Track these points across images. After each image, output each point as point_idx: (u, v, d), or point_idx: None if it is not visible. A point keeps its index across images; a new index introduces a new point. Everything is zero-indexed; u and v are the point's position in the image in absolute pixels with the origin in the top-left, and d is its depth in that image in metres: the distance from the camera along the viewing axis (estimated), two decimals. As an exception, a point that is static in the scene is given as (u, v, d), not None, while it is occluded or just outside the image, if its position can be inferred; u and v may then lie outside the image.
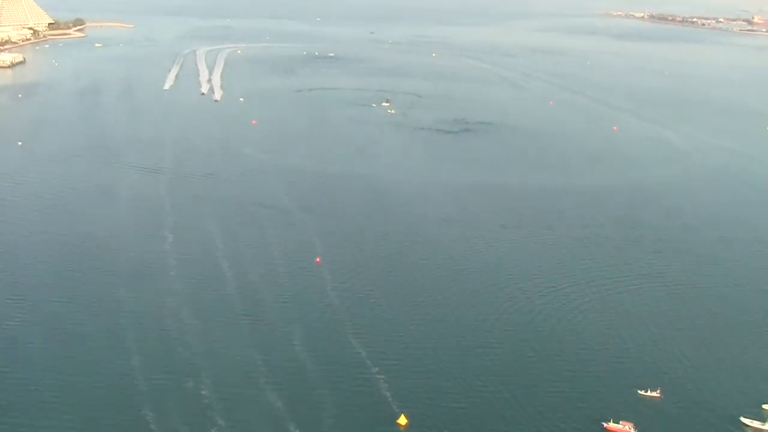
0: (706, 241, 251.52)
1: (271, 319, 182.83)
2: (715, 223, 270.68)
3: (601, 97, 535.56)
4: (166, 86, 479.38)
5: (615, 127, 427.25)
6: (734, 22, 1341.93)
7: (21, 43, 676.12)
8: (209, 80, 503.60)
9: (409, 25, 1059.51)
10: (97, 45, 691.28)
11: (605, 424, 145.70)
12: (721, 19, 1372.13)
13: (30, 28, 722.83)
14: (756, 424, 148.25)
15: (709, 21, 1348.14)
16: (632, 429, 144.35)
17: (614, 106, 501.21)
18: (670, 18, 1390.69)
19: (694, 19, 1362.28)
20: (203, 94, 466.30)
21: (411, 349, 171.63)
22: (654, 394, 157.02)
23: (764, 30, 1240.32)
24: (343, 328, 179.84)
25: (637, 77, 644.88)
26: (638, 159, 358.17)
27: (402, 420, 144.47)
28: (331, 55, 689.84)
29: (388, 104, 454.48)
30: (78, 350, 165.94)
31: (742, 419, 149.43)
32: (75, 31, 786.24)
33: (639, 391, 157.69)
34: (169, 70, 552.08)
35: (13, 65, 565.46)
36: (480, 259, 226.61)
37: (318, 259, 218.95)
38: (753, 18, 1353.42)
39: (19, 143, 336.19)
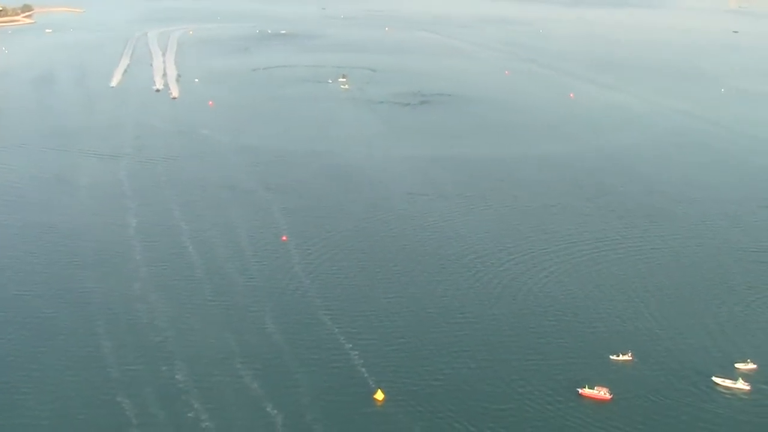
0: (667, 203, 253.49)
1: (241, 300, 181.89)
2: (675, 184, 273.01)
3: (556, 64, 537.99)
4: (116, 78, 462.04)
5: (571, 94, 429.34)
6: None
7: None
8: (163, 69, 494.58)
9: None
10: (47, 31, 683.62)
11: (580, 390, 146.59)
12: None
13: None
14: (728, 383, 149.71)
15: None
16: (607, 393, 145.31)
17: (569, 73, 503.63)
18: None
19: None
20: (158, 90, 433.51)
21: (383, 325, 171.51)
22: (626, 357, 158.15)
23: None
24: (313, 305, 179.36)
25: (590, 43, 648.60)
26: (596, 125, 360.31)
27: (379, 395, 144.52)
28: (283, 32, 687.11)
29: (344, 80, 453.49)
30: (48, 341, 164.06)
31: (714, 379, 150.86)
32: (23, 17, 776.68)
33: (611, 356, 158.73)
34: (121, 56, 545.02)
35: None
36: (446, 231, 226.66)
37: (284, 238, 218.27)
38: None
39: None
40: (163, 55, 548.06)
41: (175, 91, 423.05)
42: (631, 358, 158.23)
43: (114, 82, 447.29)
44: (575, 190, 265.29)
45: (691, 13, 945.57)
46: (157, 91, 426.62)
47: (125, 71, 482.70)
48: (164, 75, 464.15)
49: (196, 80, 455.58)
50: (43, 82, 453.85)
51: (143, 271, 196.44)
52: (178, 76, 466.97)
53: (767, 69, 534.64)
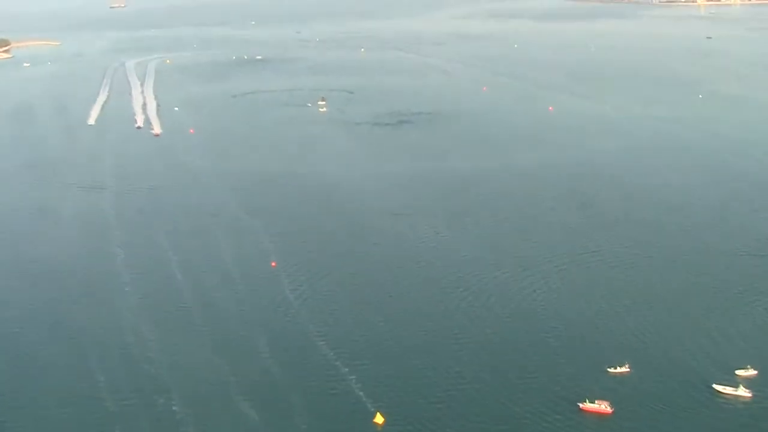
0: (653, 211, 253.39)
1: (234, 328, 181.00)
2: (660, 192, 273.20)
3: (533, 78, 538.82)
4: (94, 114, 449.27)
5: (550, 107, 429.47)
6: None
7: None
8: (143, 101, 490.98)
9: (334, 22, 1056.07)
10: (25, 64, 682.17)
11: (581, 405, 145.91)
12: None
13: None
14: (729, 390, 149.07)
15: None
16: (608, 407, 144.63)
17: (546, 86, 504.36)
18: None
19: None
20: (139, 127, 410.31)
21: (378, 347, 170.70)
22: (623, 369, 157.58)
23: (682, 0, 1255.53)
24: (307, 330, 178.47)
25: (565, 56, 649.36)
26: (577, 136, 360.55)
27: (378, 418, 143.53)
28: (260, 57, 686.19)
29: (323, 102, 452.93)
30: (39, 375, 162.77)
31: (715, 386, 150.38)
32: (1, 51, 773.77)
33: (608, 369, 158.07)
34: (99, 87, 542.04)
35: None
36: (433, 249, 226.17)
37: (273, 263, 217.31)
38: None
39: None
40: (142, 85, 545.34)
41: (157, 128, 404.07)
42: (628, 369, 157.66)
43: (92, 119, 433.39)
44: (561, 202, 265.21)
45: (664, 21, 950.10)
46: (139, 128, 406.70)
47: (103, 106, 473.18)
48: (144, 108, 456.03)
49: (176, 108, 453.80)
50: (24, 113, 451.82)
51: (133, 302, 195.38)
52: (158, 107, 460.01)
53: (743, 73, 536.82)
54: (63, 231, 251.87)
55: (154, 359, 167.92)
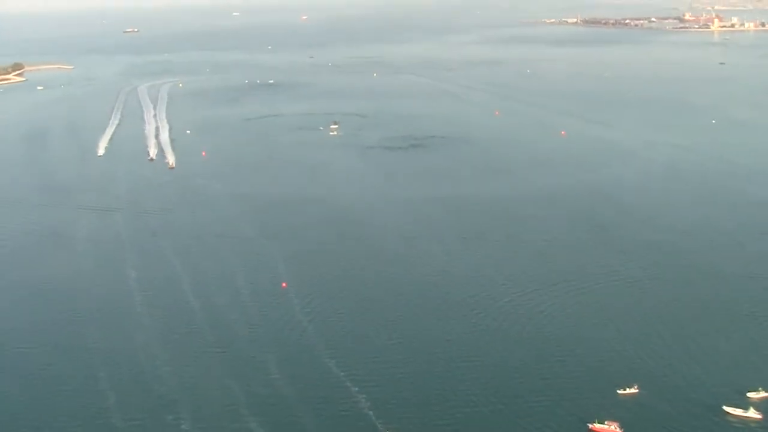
0: (665, 235, 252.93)
1: (244, 348, 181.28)
2: (672, 217, 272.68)
3: (545, 103, 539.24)
4: (104, 143, 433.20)
5: (563, 132, 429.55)
6: (666, 21, 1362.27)
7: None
8: (155, 127, 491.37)
9: (347, 47, 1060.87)
10: (39, 88, 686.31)
11: (591, 426, 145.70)
12: (653, 19, 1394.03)
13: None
14: (739, 412, 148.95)
15: (641, 21, 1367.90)
16: (618, 428, 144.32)
17: (559, 111, 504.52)
18: (603, 21, 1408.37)
19: (627, 21, 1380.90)
20: (152, 159, 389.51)
21: (389, 368, 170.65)
22: (633, 390, 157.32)
23: (696, 26, 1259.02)
24: (317, 350, 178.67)
25: (578, 81, 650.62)
26: (589, 161, 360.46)
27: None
28: (272, 82, 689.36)
29: (336, 126, 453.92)
30: (52, 394, 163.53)
31: (725, 408, 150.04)
32: (14, 75, 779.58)
33: (618, 390, 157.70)
34: (112, 112, 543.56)
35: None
36: (445, 272, 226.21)
37: (284, 284, 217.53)
38: (684, 15, 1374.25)
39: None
40: (154, 108, 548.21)
41: (171, 159, 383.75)
42: (639, 390, 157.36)
43: (102, 150, 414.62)
44: (572, 226, 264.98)
45: (677, 47, 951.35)
46: (151, 160, 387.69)
47: (114, 134, 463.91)
48: (157, 133, 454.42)
49: (188, 131, 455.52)
50: (39, 138, 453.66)
51: (145, 323, 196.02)
52: (171, 130, 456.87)
53: (756, 99, 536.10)
54: (76, 252, 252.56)
55: (165, 378, 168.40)
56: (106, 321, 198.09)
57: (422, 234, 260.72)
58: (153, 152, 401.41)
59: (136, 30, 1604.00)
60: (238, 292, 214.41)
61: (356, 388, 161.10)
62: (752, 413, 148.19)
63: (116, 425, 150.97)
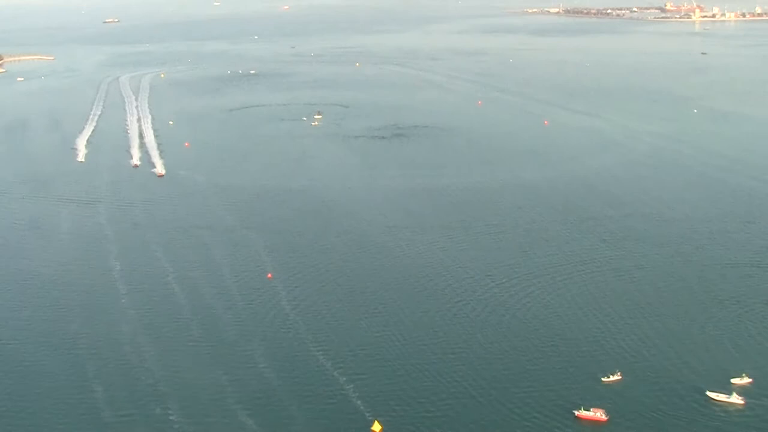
0: (647, 224, 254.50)
1: (231, 338, 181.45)
2: (654, 205, 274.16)
3: (528, 92, 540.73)
4: (82, 147, 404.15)
5: (546, 122, 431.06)
6: (648, 11, 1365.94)
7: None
8: (137, 114, 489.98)
9: (329, 37, 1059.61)
10: (19, 79, 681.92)
11: (576, 413, 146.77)
12: (635, 9, 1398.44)
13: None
14: (722, 397, 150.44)
15: (623, 11, 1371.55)
16: (603, 414, 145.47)
17: (541, 100, 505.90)
18: (585, 11, 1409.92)
19: (609, 11, 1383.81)
20: (136, 166, 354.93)
21: (375, 357, 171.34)
22: (617, 378, 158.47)
23: (677, 16, 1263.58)
24: (304, 340, 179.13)
25: (560, 71, 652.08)
26: (572, 150, 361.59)
27: (376, 427, 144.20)
28: (253, 72, 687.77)
29: (320, 116, 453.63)
30: (38, 388, 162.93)
31: (708, 394, 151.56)
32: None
33: (602, 378, 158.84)
34: (94, 102, 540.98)
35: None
36: (430, 261, 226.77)
37: (269, 275, 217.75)
38: (665, 5, 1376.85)
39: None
40: (136, 99, 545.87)
41: (160, 166, 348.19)
42: (624, 378, 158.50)
43: (81, 156, 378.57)
44: (555, 215, 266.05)
45: (659, 37, 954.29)
46: (136, 166, 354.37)
47: (96, 127, 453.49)
48: (139, 127, 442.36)
49: (171, 122, 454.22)
50: (19, 128, 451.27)
51: (130, 314, 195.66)
52: (154, 131, 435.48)
53: (738, 89, 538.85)
54: (58, 244, 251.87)
55: (152, 369, 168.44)
56: (90, 313, 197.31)
57: (406, 224, 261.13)
58: (135, 143, 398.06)
59: (116, 20, 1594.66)
60: (224, 283, 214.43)
61: (343, 378, 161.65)
62: (735, 399, 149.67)
63: (104, 417, 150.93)
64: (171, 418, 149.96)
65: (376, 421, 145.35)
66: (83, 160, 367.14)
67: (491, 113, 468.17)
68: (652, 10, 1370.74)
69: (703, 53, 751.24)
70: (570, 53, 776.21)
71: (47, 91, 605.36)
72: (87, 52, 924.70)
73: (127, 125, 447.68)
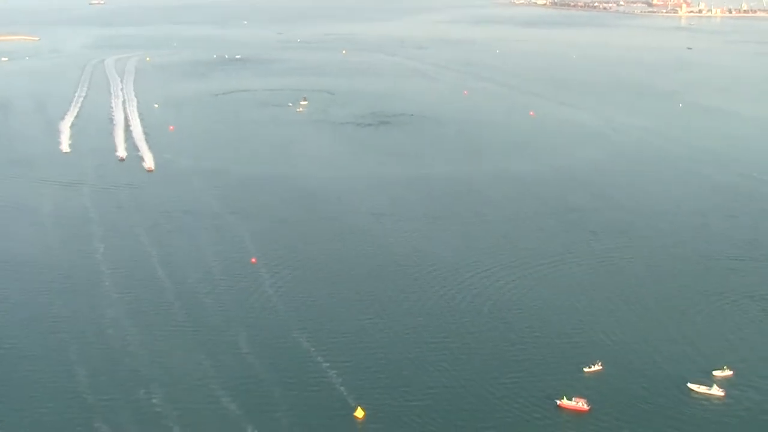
0: (631, 216, 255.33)
1: (215, 323, 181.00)
2: (638, 198, 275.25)
3: (514, 83, 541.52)
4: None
5: (532, 113, 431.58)
6: (634, 5, 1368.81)
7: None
8: (122, 97, 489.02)
9: (315, 24, 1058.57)
10: (2, 59, 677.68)
11: (558, 402, 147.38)
12: (622, 2, 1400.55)
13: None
14: (703, 389, 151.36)
15: (610, 5, 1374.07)
16: (585, 404, 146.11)
17: (528, 92, 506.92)
18: (572, 4, 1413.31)
19: (596, 4, 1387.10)
20: (122, 159, 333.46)
21: (359, 344, 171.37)
22: (599, 368, 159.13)
23: (664, 11, 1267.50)
24: (288, 326, 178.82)
25: (547, 63, 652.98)
26: (558, 142, 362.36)
27: (359, 413, 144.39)
28: (239, 57, 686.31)
29: (306, 103, 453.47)
30: (20, 371, 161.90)
31: (689, 385, 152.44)
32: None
33: (584, 368, 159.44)
34: (79, 84, 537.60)
35: None
36: (415, 250, 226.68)
37: (253, 260, 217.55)
38: (652, 0, 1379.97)
39: None
40: (122, 82, 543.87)
41: (149, 161, 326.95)
42: (606, 368, 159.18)
43: (65, 139, 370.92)
44: (540, 206, 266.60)
45: (645, 31, 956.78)
46: (121, 160, 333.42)
47: (81, 109, 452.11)
48: (124, 111, 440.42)
49: (156, 105, 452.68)
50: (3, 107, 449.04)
51: (114, 297, 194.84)
52: (139, 114, 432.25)
53: (722, 84, 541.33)
54: (42, 227, 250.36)
55: (135, 353, 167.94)
56: (73, 295, 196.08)
57: (391, 212, 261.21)
58: (120, 127, 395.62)
59: (102, 2, 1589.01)
60: (208, 267, 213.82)
61: (327, 364, 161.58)
62: (715, 390, 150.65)
63: (87, 400, 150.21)
64: (154, 401, 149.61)
65: (359, 407, 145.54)
66: (68, 145, 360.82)
67: (477, 103, 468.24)
68: (639, 4, 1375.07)
69: (688, 48, 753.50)
70: (556, 45, 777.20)
71: (31, 73, 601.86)
72: (72, 33, 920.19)
73: (112, 108, 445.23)
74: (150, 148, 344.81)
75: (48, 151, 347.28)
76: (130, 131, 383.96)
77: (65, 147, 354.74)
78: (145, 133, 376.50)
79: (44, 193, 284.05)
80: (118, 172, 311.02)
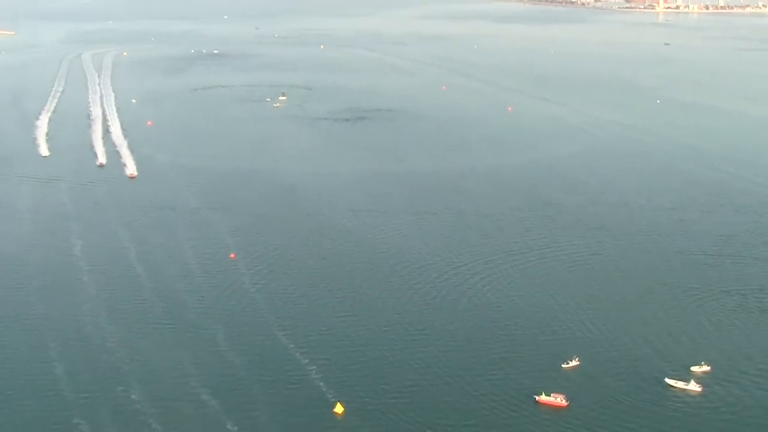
0: (608, 212, 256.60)
1: (193, 319, 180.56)
2: (615, 193, 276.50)
3: (492, 79, 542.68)
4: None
5: (510, 108, 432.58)
6: (612, 1, 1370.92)
7: None
8: (99, 92, 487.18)
9: (293, 19, 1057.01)
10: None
11: (537, 398, 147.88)
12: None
13: None
14: (680, 384, 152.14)
15: (588, 0, 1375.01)
16: (563, 400, 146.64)
17: (506, 87, 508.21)
18: (550, 0, 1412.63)
19: (574, 0, 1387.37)
20: (101, 165, 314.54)
21: (338, 340, 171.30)
22: (578, 364, 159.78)
23: (641, 7, 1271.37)
24: (267, 322, 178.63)
25: (524, 58, 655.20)
26: (536, 138, 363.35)
27: (338, 408, 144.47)
28: (216, 52, 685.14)
29: (284, 98, 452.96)
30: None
31: (667, 381, 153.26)
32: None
33: (562, 364, 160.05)
34: (56, 78, 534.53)
35: None
36: (393, 246, 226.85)
37: (232, 255, 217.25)
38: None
39: None
40: (99, 77, 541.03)
41: (131, 166, 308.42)
42: (584, 364, 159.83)
43: (42, 142, 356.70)
44: (518, 201, 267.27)
45: (623, 27, 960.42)
46: (101, 166, 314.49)
47: (58, 104, 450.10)
48: (102, 106, 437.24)
49: (133, 101, 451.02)
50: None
51: (92, 294, 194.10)
52: (117, 109, 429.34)
53: (700, 80, 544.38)
54: (19, 224, 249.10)
55: (113, 349, 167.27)
56: (51, 292, 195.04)
57: (369, 207, 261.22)
58: (98, 123, 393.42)
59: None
60: (186, 262, 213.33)
61: (306, 360, 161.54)
62: (693, 386, 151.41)
63: (66, 396, 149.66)
64: (132, 397, 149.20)
65: (338, 403, 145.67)
66: (45, 140, 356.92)
67: (455, 99, 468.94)
68: (617, 0, 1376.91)
69: (666, 44, 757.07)
70: (534, 41, 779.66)
71: (7, 68, 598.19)
72: (49, 28, 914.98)
73: (89, 103, 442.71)
74: (129, 145, 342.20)
75: (25, 150, 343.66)
76: (107, 127, 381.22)
77: (42, 144, 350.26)
78: (123, 129, 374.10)
79: (22, 190, 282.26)
80: (95, 169, 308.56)
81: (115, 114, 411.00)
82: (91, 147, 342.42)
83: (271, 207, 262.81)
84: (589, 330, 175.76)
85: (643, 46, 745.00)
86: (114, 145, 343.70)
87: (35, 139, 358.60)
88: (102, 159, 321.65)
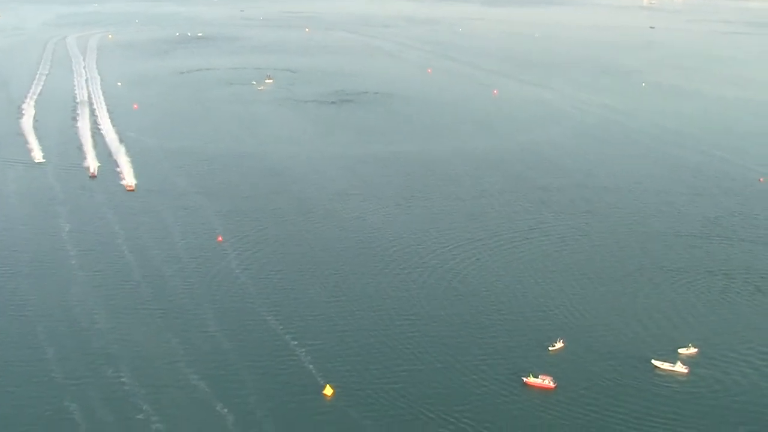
0: (594, 194, 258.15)
1: (183, 302, 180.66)
2: (601, 176, 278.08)
3: (477, 62, 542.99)
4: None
5: (495, 91, 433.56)
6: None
7: None
8: (85, 75, 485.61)
9: (279, 1, 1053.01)
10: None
11: (525, 380, 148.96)
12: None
13: None
14: (666, 365, 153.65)
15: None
16: (551, 381, 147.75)
17: (491, 70, 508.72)
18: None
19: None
20: (93, 176, 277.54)
21: (327, 323, 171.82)
22: (564, 345, 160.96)
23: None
24: (255, 305, 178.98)
25: (510, 41, 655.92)
26: (522, 120, 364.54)
27: (328, 390, 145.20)
28: (200, 35, 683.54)
29: (270, 81, 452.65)
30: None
31: (654, 362, 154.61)
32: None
33: (549, 347, 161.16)
34: (41, 61, 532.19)
35: None
36: (379, 229, 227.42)
37: (220, 238, 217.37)
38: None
39: None
40: (84, 59, 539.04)
41: (129, 177, 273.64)
42: (571, 346, 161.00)
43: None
44: (504, 184, 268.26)
45: (608, 10, 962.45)
46: (92, 177, 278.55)
47: (43, 87, 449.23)
48: (87, 88, 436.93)
49: (119, 84, 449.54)
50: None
51: (80, 277, 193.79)
52: (103, 92, 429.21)
53: (684, 63, 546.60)
54: (6, 206, 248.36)
55: (103, 332, 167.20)
56: (40, 275, 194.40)
57: (355, 190, 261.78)
58: (83, 107, 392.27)
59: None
60: (174, 245, 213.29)
61: (295, 343, 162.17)
62: (679, 367, 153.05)
63: (55, 380, 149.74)
64: (122, 380, 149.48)
65: (327, 385, 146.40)
66: (29, 118, 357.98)
67: (441, 82, 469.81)
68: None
69: (651, 27, 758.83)
70: (520, 24, 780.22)
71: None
72: (34, 10, 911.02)
73: (75, 87, 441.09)
74: (115, 129, 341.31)
75: (11, 134, 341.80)
76: (93, 111, 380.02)
77: (29, 130, 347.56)
78: (110, 113, 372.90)
79: (7, 171, 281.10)
80: (84, 152, 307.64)
81: (101, 97, 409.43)
82: (77, 132, 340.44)
83: (258, 189, 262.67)
84: (577, 312, 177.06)
85: (628, 29, 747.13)
86: (100, 130, 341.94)
87: (20, 124, 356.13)
88: (88, 144, 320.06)
